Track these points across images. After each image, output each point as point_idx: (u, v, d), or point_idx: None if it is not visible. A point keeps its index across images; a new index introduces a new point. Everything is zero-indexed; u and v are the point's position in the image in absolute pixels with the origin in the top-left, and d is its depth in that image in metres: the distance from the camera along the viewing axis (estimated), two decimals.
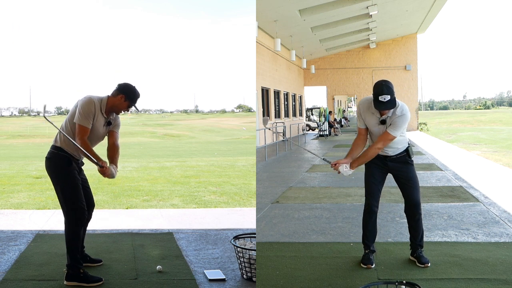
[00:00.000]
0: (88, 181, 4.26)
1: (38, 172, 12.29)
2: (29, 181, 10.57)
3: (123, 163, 15.52)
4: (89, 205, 4.21)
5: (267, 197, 7.61)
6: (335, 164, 4.19)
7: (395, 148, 4.16)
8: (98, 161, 3.86)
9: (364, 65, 29.32)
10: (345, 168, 4.17)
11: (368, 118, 4.13)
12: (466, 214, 6.13)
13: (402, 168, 4.19)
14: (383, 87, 3.87)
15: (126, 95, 4.01)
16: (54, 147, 3.99)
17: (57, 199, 4.02)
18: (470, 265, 4.14)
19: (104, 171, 3.90)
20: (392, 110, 3.99)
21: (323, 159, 4.56)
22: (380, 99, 3.86)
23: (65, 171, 3.93)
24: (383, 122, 4.05)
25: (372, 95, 4.04)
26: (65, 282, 3.85)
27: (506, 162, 14.36)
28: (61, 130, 3.90)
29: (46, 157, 4.00)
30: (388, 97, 3.85)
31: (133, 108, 4.12)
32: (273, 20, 17.35)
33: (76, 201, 3.90)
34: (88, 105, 3.89)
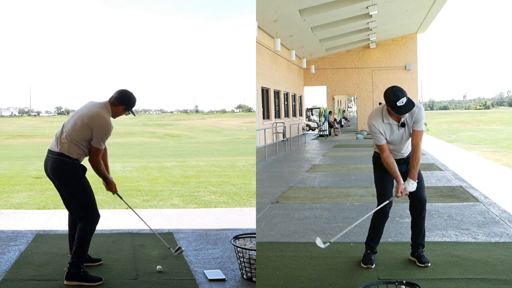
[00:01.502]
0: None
1: (38, 172, 12.28)
2: (29, 181, 10.57)
3: (123, 163, 15.51)
4: None
5: (267, 197, 7.61)
6: (401, 192, 4.04)
7: (407, 149, 4.19)
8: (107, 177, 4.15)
9: (364, 65, 29.29)
10: (410, 184, 4.06)
11: (388, 130, 4.05)
12: (466, 214, 6.13)
13: (409, 166, 4.19)
14: (397, 92, 3.84)
15: (126, 106, 4.12)
16: (60, 154, 3.93)
17: (61, 201, 4.06)
18: (470, 265, 4.14)
19: (112, 189, 4.24)
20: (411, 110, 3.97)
21: (389, 201, 4.17)
22: (398, 104, 3.82)
23: (78, 177, 3.99)
24: (403, 124, 4.02)
25: (378, 108, 4.06)
26: (65, 282, 3.86)
27: (506, 162, 14.35)
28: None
29: (55, 166, 3.94)
30: (405, 99, 3.84)
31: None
32: (273, 20, 17.34)
33: (93, 202, 4.02)
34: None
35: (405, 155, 4.21)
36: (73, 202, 4.00)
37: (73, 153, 3.94)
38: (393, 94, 3.85)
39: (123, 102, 4.08)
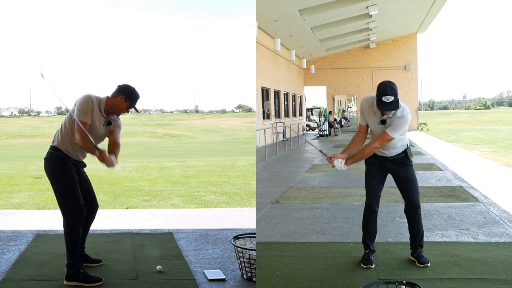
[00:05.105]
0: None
1: (38, 172, 12.28)
2: (29, 181, 10.57)
3: (123, 163, 15.50)
4: (93, 206, 4.21)
5: (267, 197, 7.61)
6: (331, 158, 4.18)
7: (394, 149, 4.14)
8: (96, 149, 3.83)
9: (364, 65, 29.30)
10: (340, 163, 4.15)
11: (369, 116, 4.13)
12: (466, 214, 6.13)
13: (400, 169, 4.18)
14: (387, 87, 3.86)
15: (126, 96, 4.01)
16: (51, 148, 4.00)
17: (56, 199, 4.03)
18: (470, 265, 4.14)
19: (103, 157, 3.84)
20: (393, 111, 3.98)
21: (320, 150, 4.61)
22: (383, 99, 3.85)
23: (61, 171, 3.93)
24: (383, 122, 4.04)
25: (375, 94, 4.05)
26: (65, 282, 3.86)
27: (506, 162, 14.36)
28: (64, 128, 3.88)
29: (44, 158, 4.02)
30: (391, 98, 3.84)
31: (132, 109, 4.12)
32: (273, 20, 17.34)
33: (74, 200, 3.90)
34: (86, 101, 3.90)
35: (388, 154, 4.16)
36: (55, 194, 3.97)
37: (55, 140, 3.96)
38: (383, 87, 3.87)
39: (121, 91, 4.00)
